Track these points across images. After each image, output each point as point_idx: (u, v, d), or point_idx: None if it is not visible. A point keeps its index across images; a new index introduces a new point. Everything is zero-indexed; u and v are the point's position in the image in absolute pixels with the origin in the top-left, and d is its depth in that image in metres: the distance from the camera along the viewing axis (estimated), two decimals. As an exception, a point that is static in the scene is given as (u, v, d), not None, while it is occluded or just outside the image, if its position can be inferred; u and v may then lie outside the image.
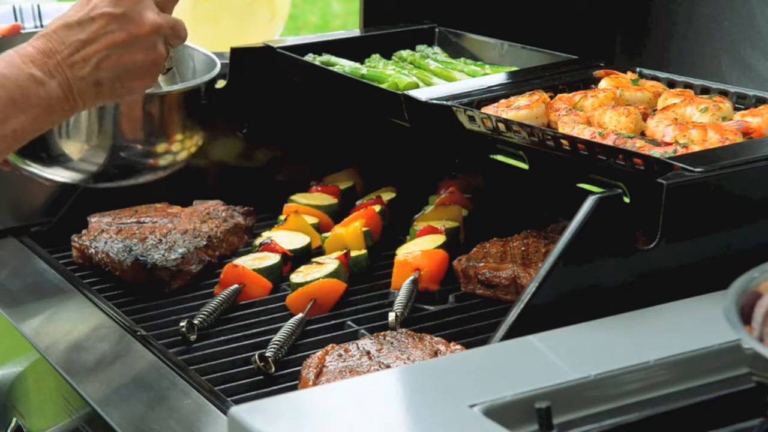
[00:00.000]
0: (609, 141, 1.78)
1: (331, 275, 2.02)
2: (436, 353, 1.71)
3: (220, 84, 2.45)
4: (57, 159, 1.89)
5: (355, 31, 2.56)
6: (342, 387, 1.43)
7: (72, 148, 1.87)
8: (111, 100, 1.73)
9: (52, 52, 1.63)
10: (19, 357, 2.05)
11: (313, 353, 1.74)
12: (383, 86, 2.17)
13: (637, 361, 1.36)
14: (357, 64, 2.33)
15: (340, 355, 1.71)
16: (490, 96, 2.02)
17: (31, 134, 1.65)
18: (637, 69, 2.12)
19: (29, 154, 1.89)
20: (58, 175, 1.93)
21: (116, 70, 1.66)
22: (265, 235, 2.22)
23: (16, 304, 2.07)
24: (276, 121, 2.49)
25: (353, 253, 2.13)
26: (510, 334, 1.52)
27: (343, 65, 2.32)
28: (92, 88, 1.66)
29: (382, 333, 1.78)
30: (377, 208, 2.31)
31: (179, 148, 1.98)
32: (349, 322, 1.95)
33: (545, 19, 2.60)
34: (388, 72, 2.24)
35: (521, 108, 1.94)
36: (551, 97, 1.99)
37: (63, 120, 1.72)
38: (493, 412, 1.27)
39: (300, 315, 1.92)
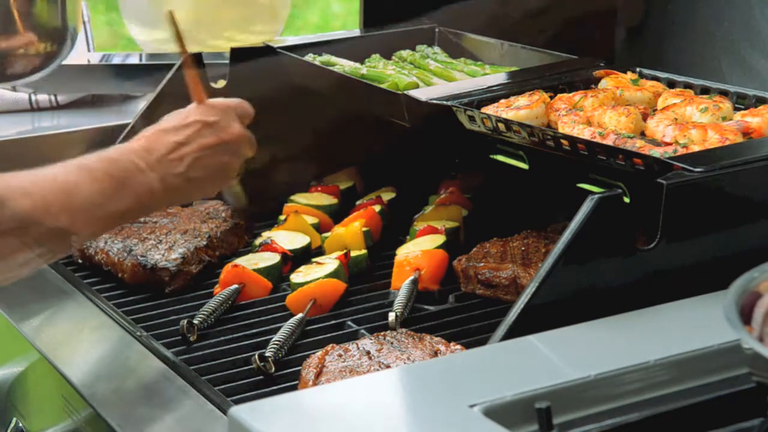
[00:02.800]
0: (609, 141, 1.78)
1: (331, 275, 2.02)
2: (436, 353, 1.71)
3: (220, 84, 2.46)
4: None
5: (355, 31, 2.56)
6: (342, 387, 1.43)
7: None
8: (195, 197, 1.99)
9: (152, 150, 1.81)
10: (19, 357, 2.05)
11: (313, 353, 1.74)
12: (383, 86, 2.17)
13: (637, 361, 1.36)
14: (357, 64, 2.33)
15: (340, 355, 1.71)
16: (490, 96, 2.02)
17: (128, 218, 1.84)
18: (637, 69, 2.12)
19: None
20: None
21: (205, 170, 1.85)
22: (265, 235, 2.22)
23: (16, 304, 2.07)
24: (276, 121, 2.49)
25: (353, 253, 2.13)
26: (510, 334, 1.52)
27: (343, 65, 2.32)
28: (184, 184, 1.83)
29: (382, 333, 1.78)
30: (377, 208, 2.31)
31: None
32: (349, 322, 1.95)
33: (545, 19, 2.60)
34: (388, 72, 2.24)
35: (521, 108, 1.94)
36: (551, 97, 1.99)
37: (153, 212, 1.97)
38: (493, 412, 1.27)
39: (300, 315, 1.92)
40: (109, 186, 1.73)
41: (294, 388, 1.72)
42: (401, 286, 1.98)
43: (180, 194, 1.86)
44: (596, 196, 1.56)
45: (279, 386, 1.75)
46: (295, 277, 2.04)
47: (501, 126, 1.89)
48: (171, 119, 1.88)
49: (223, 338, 1.91)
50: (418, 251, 2.07)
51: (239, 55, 2.43)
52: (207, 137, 1.86)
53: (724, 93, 1.96)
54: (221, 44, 2.81)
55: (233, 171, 1.91)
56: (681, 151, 1.72)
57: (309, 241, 2.23)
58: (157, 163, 1.81)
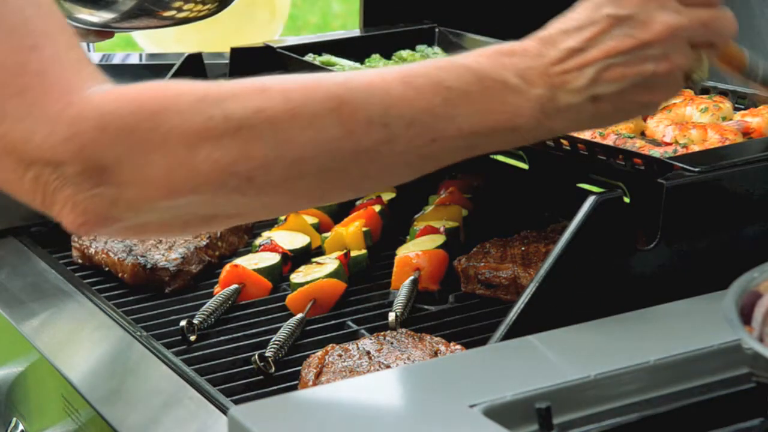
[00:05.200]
0: (609, 141, 1.79)
1: (331, 275, 2.02)
2: (436, 353, 1.71)
3: (220, 84, 2.45)
4: None
5: (355, 31, 2.56)
6: (342, 387, 1.43)
7: None
8: (609, 122, 1.43)
9: (540, 56, 1.36)
10: (19, 357, 2.05)
11: (313, 353, 1.74)
12: (383, 86, 2.16)
13: (637, 361, 1.36)
14: (357, 64, 2.33)
15: (340, 355, 1.71)
16: (490, 96, 2.02)
17: (480, 147, 1.36)
18: (637, 69, 2.11)
19: None
20: (95, 14, 1.98)
21: (619, 84, 1.37)
22: (265, 235, 2.22)
23: (16, 304, 2.07)
24: (276, 121, 2.49)
25: (353, 253, 2.13)
26: (510, 334, 1.52)
27: (343, 65, 2.32)
28: (588, 104, 1.36)
29: (382, 333, 1.78)
30: (377, 208, 2.31)
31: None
32: (349, 322, 1.95)
33: (545, 19, 2.60)
34: (388, 72, 2.24)
35: (521, 108, 1.93)
36: (551, 97, 1.99)
37: (520, 144, 1.40)
38: (493, 412, 1.27)
39: (300, 315, 1.92)
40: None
41: (294, 388, 1.72)
42: (401, 286, 1.98)
43: (579, 118, 1.37)
44: (596, 196, 1.56)
45: (279, 386, 1.75)
46: (295, 277, 2.04)
47: (501, 126, 1.88)
48: (579, 12, 1.38)
49: (223, 338, 1.91)
50: (418, 251, 2.07)
51: (239, 55, 2.43)
52: (617, 39, 1.35)
53: (724, 93, 1.97)
54: (221, 44, 2.81)
55: (670, 81, 1.39)
56: (681, 151, 1.72)
57: (309, 241, 2.23)
58: (543, 74, 1.34)
